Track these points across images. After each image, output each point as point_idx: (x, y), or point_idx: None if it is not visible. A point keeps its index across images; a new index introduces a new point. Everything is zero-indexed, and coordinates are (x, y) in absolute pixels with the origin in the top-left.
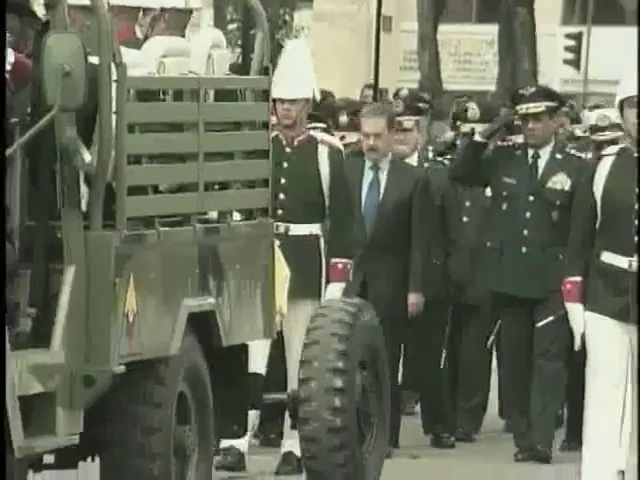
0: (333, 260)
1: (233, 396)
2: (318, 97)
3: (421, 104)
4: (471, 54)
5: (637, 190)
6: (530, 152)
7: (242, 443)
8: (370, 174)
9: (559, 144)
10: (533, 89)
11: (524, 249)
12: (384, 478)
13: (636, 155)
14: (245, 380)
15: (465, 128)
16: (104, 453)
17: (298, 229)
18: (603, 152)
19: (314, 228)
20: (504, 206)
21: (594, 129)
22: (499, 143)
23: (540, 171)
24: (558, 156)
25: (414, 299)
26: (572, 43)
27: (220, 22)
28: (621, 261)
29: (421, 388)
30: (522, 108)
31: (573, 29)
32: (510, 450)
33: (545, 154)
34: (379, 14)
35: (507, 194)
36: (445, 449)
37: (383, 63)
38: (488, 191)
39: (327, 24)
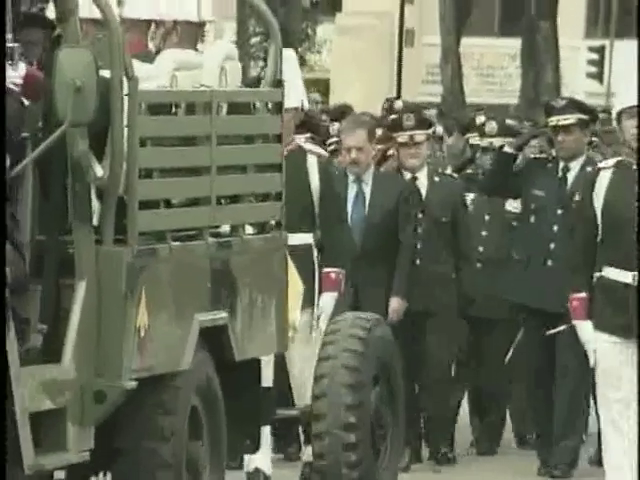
0: (325, 270)
1: (246, 411)
2: (307, 106)
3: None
4: (494, 67)
5: (637, 202)
6: (560, 165)
7: (267, 465)
8: (354, 187)
9: (590, 157)
10: (565, 101)
11: (550, 262)
12: None
13: (634, 167)
14: (257, 395)
15: (484, 143)
16: (116, 467)
17: (291, 239)
18: (601, 165)
19: (306, 237)
20: (532, 219)
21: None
22: (532, 155)
23: (569, 184)
24: (589, 169)
25: (395, 304)
26: (595, 56)
27: (243, 35)
28: (624, 276)
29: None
30: (553, 120)
31: (596, 42)
32: (529, 465)
33: (575, 167)
34: (401, 28)
35: (535, 207)
36: (448, 465)
37: (405, 77)
38: (507, 205)
39: (349, 38)
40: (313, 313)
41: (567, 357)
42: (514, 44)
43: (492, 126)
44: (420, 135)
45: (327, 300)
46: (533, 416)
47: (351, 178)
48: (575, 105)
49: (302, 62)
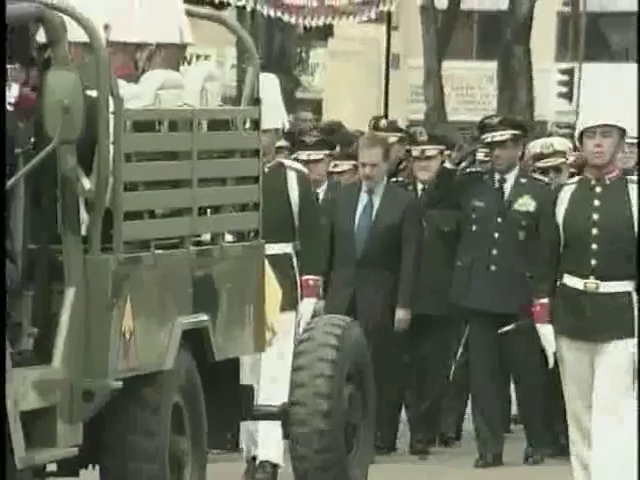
0: (304, 277)
1: (225, 407)
2: (287, 127)
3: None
4: (472, 88)
5: (637, 215)
6: (497, 177)
7: (278, 456)
8: (365, 198)
9: (523, 169)
10: (498, 119)
11: (493, 267)
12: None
13: (593, 183)
14: (237, 392)
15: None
16: (103, 460)
17: (272, 248)
18: (566, 181)
19: (286, 247)
20: (474, 227)
21: (538, 157)
22: (468, 169)
23: (506, 194)
24: (523, 180)
25: (402, 315)
26: (565, 78)
27: (243, 59)
28: (578, 283)
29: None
30: (488, 137)
31: (566, 65)
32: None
33: (511, 178)
34: (388, 52)
35: (476, 216)
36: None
37: (392, 96)
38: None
39: (340, 61)
40: (295, 316)
41: (521, 358)
42: (491, 66)
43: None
44: (431, 150)
45: (306, 306)
46: (479, 410)
47: (364, 189)
48: (508, 122)
49: (297, 83)
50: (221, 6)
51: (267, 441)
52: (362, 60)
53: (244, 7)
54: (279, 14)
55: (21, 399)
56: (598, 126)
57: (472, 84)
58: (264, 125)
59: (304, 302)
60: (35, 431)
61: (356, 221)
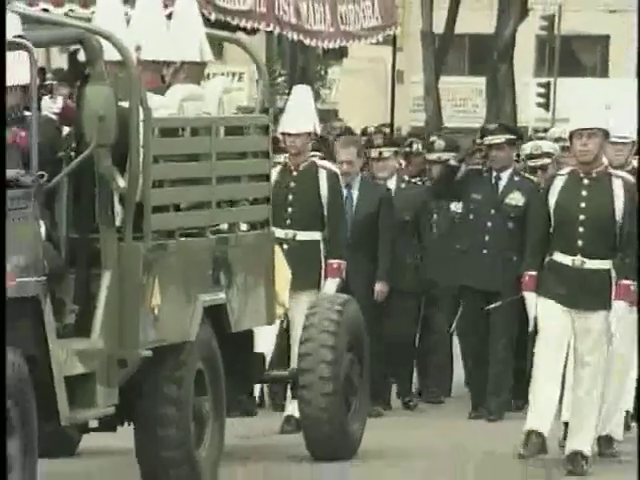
0: (330, 260)
1: (240, 372)
2: (319, 131)
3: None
4: (465, 99)
5: (622, 206)
6: (493, 174)
7: None
8: (344, 192)
9: (517, 168)
10: (496, 125)
11: (485, 251)
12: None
13: (582, 176)
14: (251, 359)
15: (432, 156)
16: (137, 418)
17: (303, 235)
18: (559, 172)
19: (316, 235)
20: (471, 216)
21: (529, 157)
22: (470, 167)
23: (500, 190)
24: (516, 178)
25: (380, 287)
26: (543, 90)
27: (271, 76)
28: (566, 259)
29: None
30: (487, 140)
31: (543, 79)
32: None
33: (505, 176)
34: (393, 69)
35: (473, 207)
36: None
37: (397, 107)
38: (452, 207)
39: (354, 77)
40: (317, 294)
41: (500, 329)
42: (480, 81)
43: (440, 143)
44: (387, 152)
45: (330, 285)
46: (471, 372)
47: (343, 184)
48: (504, 128)
49: (317, 96)
50: (252, 32)
51: (294, 400)
52: (371, 76)
53: (272, 32)
54: (301, 38)
55: (64, 366)
56: (585, 129)
57: (464, 96)
58: (297, 129)
59: (328, 282)
60: (77, 393)
61: None
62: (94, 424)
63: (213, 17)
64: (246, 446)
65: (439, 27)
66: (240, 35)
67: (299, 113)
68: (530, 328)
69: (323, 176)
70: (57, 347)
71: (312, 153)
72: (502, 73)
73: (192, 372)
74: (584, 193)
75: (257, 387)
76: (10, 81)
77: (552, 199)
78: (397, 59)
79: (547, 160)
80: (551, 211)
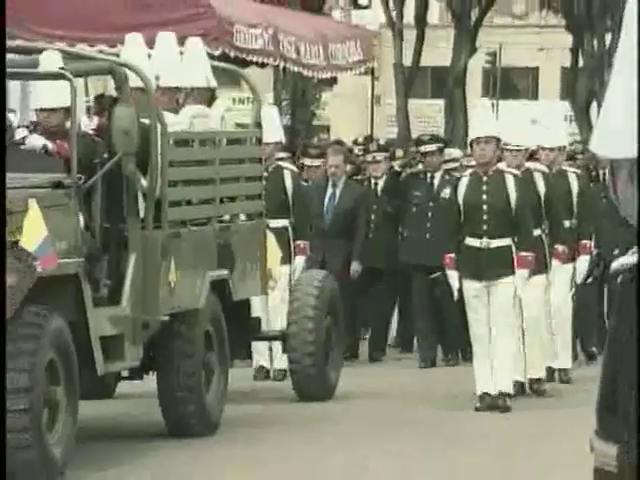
0: (297, 242)
1: (241, 331)
2: (284, 140)
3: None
4: (428, 117)
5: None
6: (428, 175)
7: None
8: (330, 189)
9: (446, 169)
10: (429, 136)
11: (427, 235)
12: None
13: (482, 174)
14: (249, 322)
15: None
16: (158, 370)
17: (275, 223)
18: (462, 174)
19: (284, 222)
20: (414, 210)
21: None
22: (409, 170)
23: (435, 187)
24: (446, 177)
25: (355, 266)
26: None
27: (278, 100)
28: (475, 242)
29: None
30: (422, 148)
31: (489, 101)
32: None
33: (437, 176)
34: (372, 94)
35: (415, 202)
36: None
37: (376, 123)
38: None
39: (341, 100)
40: (289, 268)
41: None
42: (440, 103)
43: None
44: (379, 156)
45: (299, 261)
46: (419, 329)
47: (330, 183)
48: (435, 138)
49: (313, 115)
50: (262, 65)
51: (280, 357)
52: (355, 99)
53: (278, 66)
54: (300, 70)
55: (99, 328)
56: (482, 137)
57: (428, 114)
58: (268, 139)
59: (297, 259)
60: (110, 350)
61: (325, 205)
62: (125, 374)
63: (232, 54)
64: (244, 390)
65: (407, 61)
66: (253, 68)
67: (268, 127)
68: (455, 299)
69: (288, 176)
70: (93, 314)
71: (280, 155)
72: (456, 97)
73: (201, 332)
74: (484, 188)
75: None
76: (55, 104)
77: (460, 195)
78: (375, 86)
79: (457, 164)
80: (460, 205)
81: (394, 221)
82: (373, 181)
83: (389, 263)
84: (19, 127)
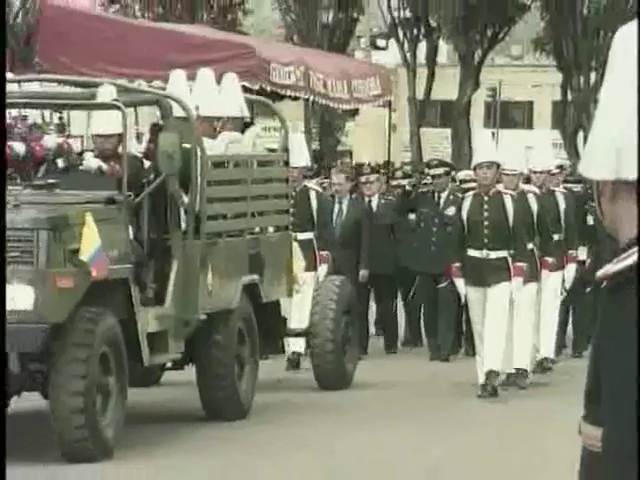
0: (320, 252)
1: (270, 329)
2: (309, 164)
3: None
4: (437, 144)
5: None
6: (436, 195)
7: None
8: (337, 205)
9: (452, 189)
10: (437, 161)
11: (432, 248)
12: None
13: (483, 194)
14: (278, 320)
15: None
16: (197, 362)
17: (302, 235)
18: (466, 194)
19: (309, 235)
20: (422, 224)
21: (462, 181)
22: (419, 190)
23: (441, 205)
24: (451, 197)
25: (363, 273)
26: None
27: (307, 127)
28: (477, 253)
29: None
30: (431, 172)
31: (490, 130)
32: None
33: (444, 196)
34: (389, 123)
35: (423, 217)
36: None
37: (392, 149)
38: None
39: (363, 129)
40: (315, 275)
41: (447, 299)
42: (447, 131)
43: (398, 173)
44: (372, 177)
45: (322, 268)
46: (426, 328)
47: (336, 200)
48: (442, 163)
49: (338, 142)
50: (295, 99)
51: (296, 342)
52: (375, 128)
53: (308, 99)
54: (328, 102)
55: (146, 325)
56: (485, 162)
57: (437, 141)
58: (295, 164)
59: (321, 266)
60: (155, 344)
61: (334, 220)
62: (169, 365)
63: (269, 89)
64: (270, 380)
65: (420, 95)
66: (287, 101)
67: (296, 153)
68: (462, 302)
69: (313, 195)
70: (141, 313)
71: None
72: (461, 126)
73: (235, 329)
74: (485, 206)
75: None
76: (109, 131)
77: (464, 213)
78: (392, 116)
79: (473, 184)
80: (464, 221)
81: (389, 233)
82: (367, 199)
83: (385, 268)
84: (84, 151)
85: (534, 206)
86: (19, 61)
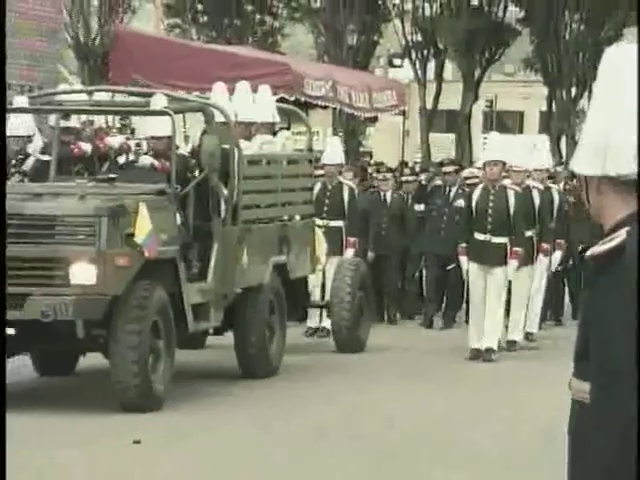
0: (348, 238)
1: (297, 301)
2: (343, 162)
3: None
4: (445, 146)
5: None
6: (447, 188)
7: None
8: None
9: (461, 184)
10: (449, 160)
11: (442, 233)
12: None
13: (490, 188)
14: (302, 293)
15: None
16: (234, 329)
17: (334, 223)
18: (476, 188)
19: (340, 223)
20: (434, 214)
21: (466, 178)
22: (433, 183)
23: (451, 197)
24: (460, 191)
25: (370, 255)
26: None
27: (334, 133)
28: (481, 237)
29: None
30: (443, 169)
31: (487, 135)
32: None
33: (454, 189)
34: (403, 129)
35: (435, 207)
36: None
37: (406, 151)
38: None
39: (381, 134)
40: (341, 259)
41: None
42: (452, 136)
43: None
44: (388, 175)
45: (350, 252)
46: (429, 302)
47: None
48: (452, 162)
49: (360, 144)
50: (324, 108)
51: (325, 319)
52: (391, 133)
53: (335, 108)
54: (352, 111)
55: (191, 298)
56: (492, 160)
57: (444, 145)
58: (332, 161)
59: (348, 251)
60: (199, 314)
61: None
62: (211, 331)
63: (303, 99)
64: (295, 344)
65: (429, 105)
66: (317, 110)
67: (334, 151)
68: (464, 277)
69: (346, 189)
70: (187, 287)
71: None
72: (464, 131)
73: (266, 301)
74: (491, 198)
75: None
76: (161, 133)
77: (473, 202)
78: (406, 123)
79: (476, 180)
80: (473, 209)
81: (400, 222)
82: (382, 194)
83: (396, 250)
84: (144, 154)
85: (537, 200)
86: (97, 75)
